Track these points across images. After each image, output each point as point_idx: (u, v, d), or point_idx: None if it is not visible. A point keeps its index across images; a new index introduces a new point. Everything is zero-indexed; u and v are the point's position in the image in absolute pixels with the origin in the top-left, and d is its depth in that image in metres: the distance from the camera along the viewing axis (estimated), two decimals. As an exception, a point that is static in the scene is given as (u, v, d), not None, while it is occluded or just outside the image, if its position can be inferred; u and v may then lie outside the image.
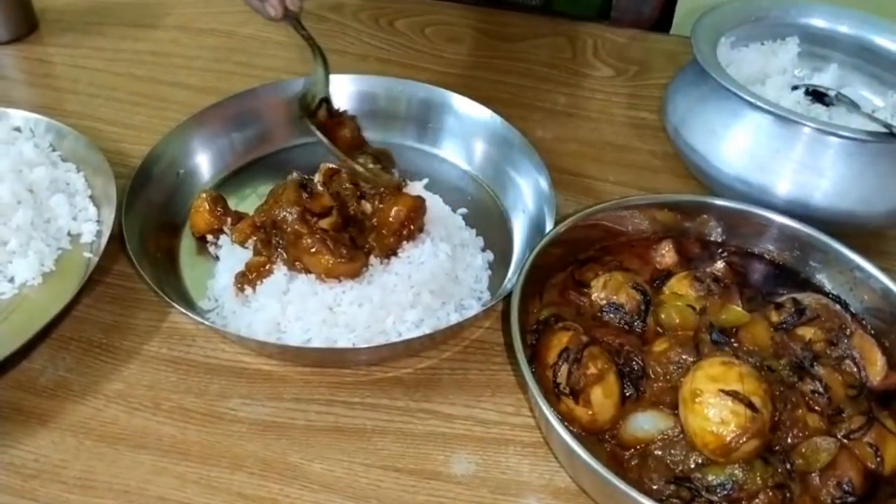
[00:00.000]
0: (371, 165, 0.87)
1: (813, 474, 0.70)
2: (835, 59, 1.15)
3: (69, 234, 0.91)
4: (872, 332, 0.82)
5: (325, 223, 0.85)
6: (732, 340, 0.78)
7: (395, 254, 0.87)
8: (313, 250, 0.82)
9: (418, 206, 0.89)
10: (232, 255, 0.90)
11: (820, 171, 0.93)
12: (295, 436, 0.77)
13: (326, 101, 0.96)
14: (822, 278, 0.87)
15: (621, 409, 0.74)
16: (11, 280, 0.85)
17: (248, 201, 0.99)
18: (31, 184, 0.92)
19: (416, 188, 0.97)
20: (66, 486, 0.72)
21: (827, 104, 1.06)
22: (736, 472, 0.69)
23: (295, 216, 0.84)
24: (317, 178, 0.94)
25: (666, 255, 0.88)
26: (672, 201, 0.92)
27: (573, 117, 1.19)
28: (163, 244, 0.92)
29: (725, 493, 0.68)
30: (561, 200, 0.92)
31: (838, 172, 0.93)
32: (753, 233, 0.89)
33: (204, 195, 0.93)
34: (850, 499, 0.69)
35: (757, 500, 0.68)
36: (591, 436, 0.74)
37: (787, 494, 0.68)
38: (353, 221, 0.88)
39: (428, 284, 0.85)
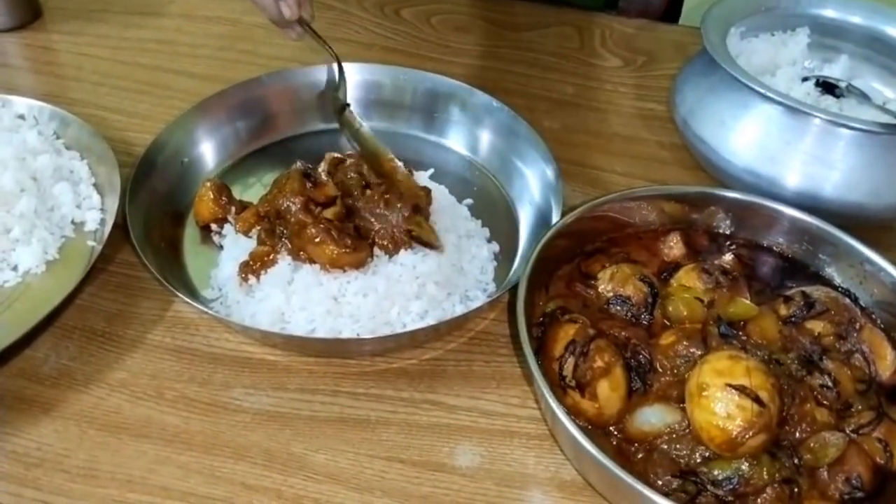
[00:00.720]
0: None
1: (821, 469, 0.69)
2: (845, 50, 1.14)
3: (73, 222, 0.90)
4: (882, 326, 0.81)
5: (329, 213, 0.84)
6: (740, 334, 0.77)
7: (400, 244, 0.86)
8: (317, 240, 0.82)
9: (424, 196, 0.88)
10: (236, 245, 0.90)
11: (830, 163, 0.92)
12: (299, 426, 0.76)
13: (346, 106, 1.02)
14: (832, 272, 0.86)
15: (628, 403, 0.73)
16: (15, 268, 0.84)
17: (252, 190, 0.98)
18: (34, 172, 0.91)
19: (421, 178, 0.96)
20: (69, 476, 0.72)
21: (837, 96, 1.05)
22: (742, 466, 0.68)
23: (299, 206, 0.83)
24: (321, 167, 0.93)
25: (674, 247, 0.87)
26: (680, 193, 0.91)
27: (580, 108, 1.18)
28: (166, 233, 0.91)
29: (731, 487, 0.67)
30: (568, 191, 0.91)
31: (848, 164, 0.92)
32: (762, 225, 0.89)
33: (208, 184, 0.92)
34: (859, 494, 0.68)
35: (764, 495, 0.68)
36: (598, 429, 0.73)
37: (795, 489, 0.68)
38: (358, 211, 0.87)
39: (433, 275, 0.84)
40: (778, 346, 0.77)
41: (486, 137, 1.05)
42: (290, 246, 0.84)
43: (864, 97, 1.04)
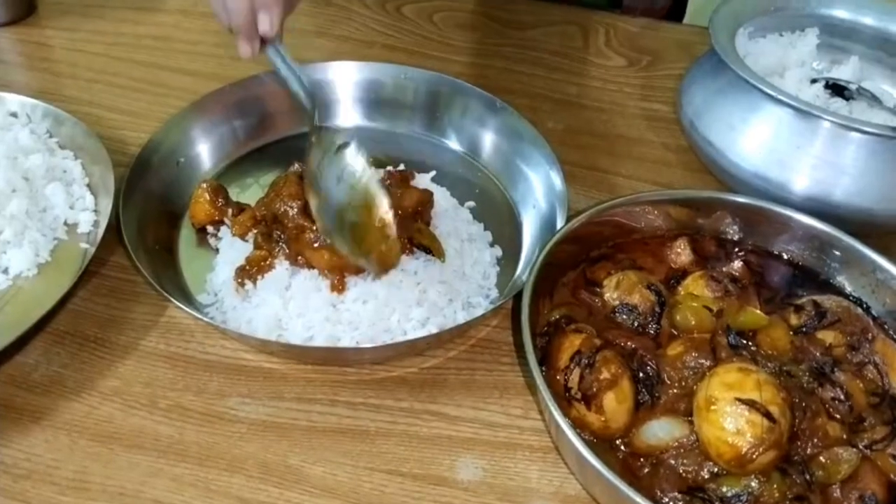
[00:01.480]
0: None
1: (834, 486, 0.67)
2: (855, 51, 1.11)
3: (65, 223, 0.88)
4: (895, 336, 0.79)
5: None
6: (750, 344, 0.75)
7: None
8: (316, 245, 0.79)
9: (426, 199, 0.86)
10: (232, 248, 0.88)
11: (841, 168, 0.90)
12: (296, 437, 0.74)
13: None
14: (843, 280, 0.84)
15: (635, 416, 0.72)
16: (6, 271, 0.82)
17: (250, 191, 0.96)
18: (26, 171, 0.89)
19: (423, 181, 0.94)
20: (59, 488, 0.69)
21: (847, 98, 1.03)
22: (752, 483, 0.66)
23: (296, 210, 0.81)
24: (321, 168, 0.90)
25: (681, 253, 0.85)
26: (688, 197, 0.89)
27: (585, 108, 1.16)
28: (161, 235, 0.89)
29: (741, 504, 0.65)
30: (571, 194, 0.89)
31: (859, 169, 0.90)
32: (772, 231, 0.87)
33: (204, 185, 0.90)
34: (873, 512, 0.67)
35: (775, 513, 0.66)
36: (603, 442, 0.71)
37: (807, 507, 0.66)
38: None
39: (435, 281, 0.82)
40: (789, 356, 0.75)
41: (488, 138, 1.02)
42: (287, 251, 0.82)
43: (874, 100, 1.02)
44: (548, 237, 0.84)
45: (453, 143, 1.05)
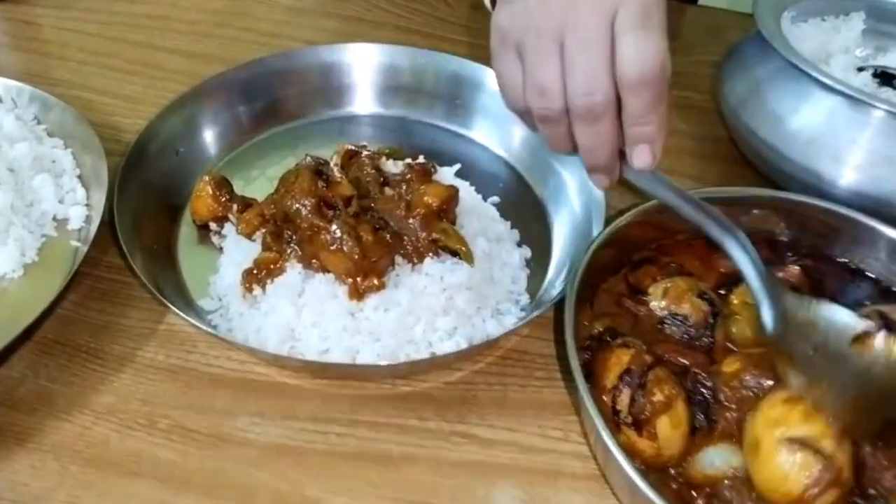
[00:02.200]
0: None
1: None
2: (903, 37, 1.03)
3: (54, 219, 0.81)
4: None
5: (345, 216, 0.74)
6: (813, 360, 0.67)
7: (424, 251, 0.76)
8: (333, 247, 0.72)
9: (451, 195, 0.78)
10: (238, 248, 0.80)
11: (899, 163, 0.83)
12: (313, 463, 0.67)
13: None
14: (910, 288, 0.76)
15: (690, 442, 0.64)
16: (-11, 272, 0.76)
17: (255, 184, 0.89)
18: (11, 161, 0.82)
19: (446, 174, 0.86)
20: (47, 521, 0.62)
21: (896, 87, 0.95)
22: (823, 523, 0.59)
23: (310, 208, 0.73)
24: (333, 160, 0.83)
25: (732, 257, 0.77)
26: (743, 196, 0.81)
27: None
28: (160, 232, 0.82)
29: (808, 545, 0.58)
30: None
31: (919, 164, 0.83)
32: (830, 233, 0.79)
33: (207, 178, 0.82)
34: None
35: (850, 553, 0.59)
36: (655, 471, 0.64)
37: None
38: (375, 213, 0.77)
39: (462, 287, 0.75)
40: (855, 373, 0.67)
41: (515, 129, 0.94)
42: (300, 252, 0.75)
43: (928, 89, 0.94)
44: (584, 238, 0.78)
45: (475, 134, 0.97)
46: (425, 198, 0.77)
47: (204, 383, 0.71)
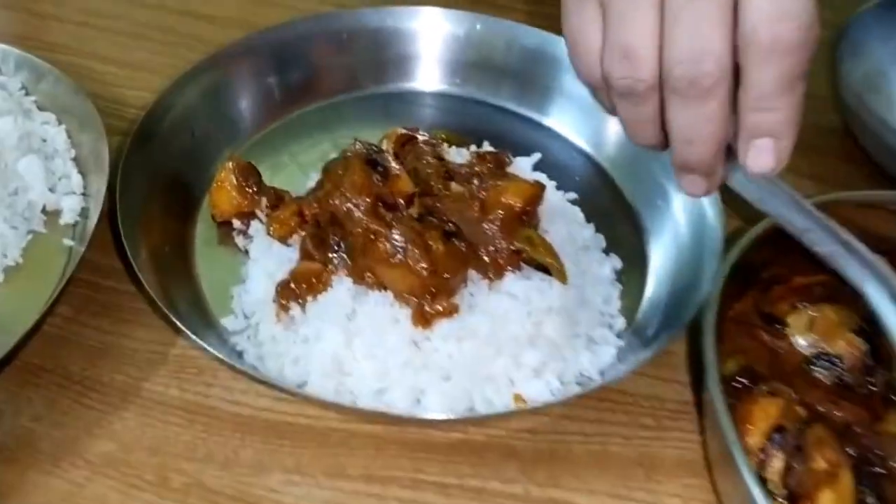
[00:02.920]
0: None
1: None
2: None
3: (44, 211, 0.70)
4: None
5: (407, 218, 0.60)
6: None
7: (505, 264, 0.62)
8: (394, 259, 0.57)
9: (536, 194, 0.64)
10: (269, 253, 0.66)
11: None
12: (369, 541, 0.52)
13: None
14: None
15: (859, 527, 0.49)
16: (-39, 278, 0.64)
17: (284, 173, 0.75)
18: (-9, 140, 0.71)
19: (523, 167, 0.71)
20: None
21: None
22: None
23: (364, 209, 0.59)
24: (384, 147, 0.69)
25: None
26: (872, 200, 0.66)
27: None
28: (172, 230, 0.69)
29: None
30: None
31: None
32: None
33: (229, 164, 0.69)
34: None
35: None
36: (816, 563, 0.49)
37: None
38: (440, 215, 0.62)
39: (552, 310, 0.61)
40: None
41: (600, 117, 0.77)
42: (350, 263, 0.61)
43: None
44: (692, 243, 0.65)
45: (554, 122, 0.81)
46: (505, 197, 0.62)
47: (228, 427, 0.58)
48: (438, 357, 0.58)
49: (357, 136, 0.67)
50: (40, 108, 0.76)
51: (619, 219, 0.74)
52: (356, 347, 0.58)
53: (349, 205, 0.60)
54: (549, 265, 0.60)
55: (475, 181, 0.64)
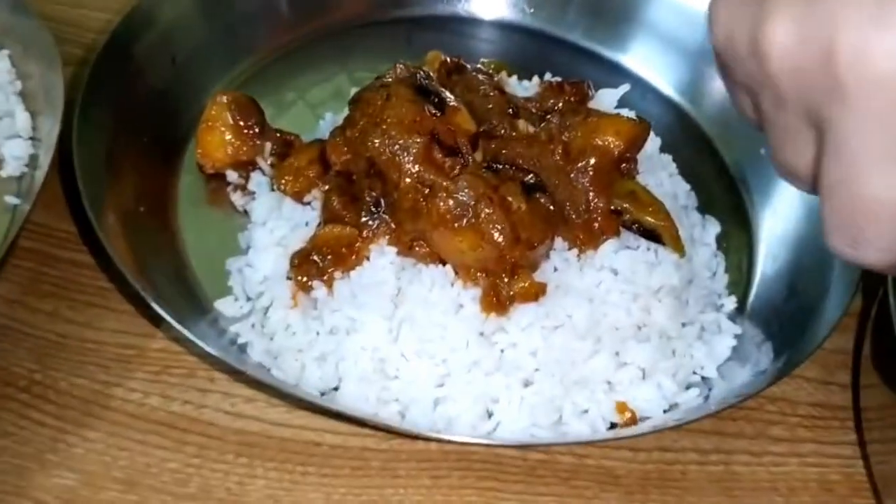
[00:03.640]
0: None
1: None
2: None
3: None
4: None
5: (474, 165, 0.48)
6: None
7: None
8: (459, 222, 0.44)
9: (640, 134, 0.51)
10: (278, 214, 0.55)
11: None
12: None
13: None
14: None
15: None
16: None
17: (291, 113, 0.64)
18: None
19: (607, 100, 0.59)
20: None
21: None
22: None
23: (416, 153, 0.47)
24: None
25: None
26: None
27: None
28: (148, 185, 0.58)
29: None
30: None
31: None
32: None
33: (223, 99, 0.58)
34: None
35: None
36: None
37: None
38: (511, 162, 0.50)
39: (663, 291, 0.48)
40: None
41: (687, 59, 0.66)
42: (394, 228, 0.48)
43: None
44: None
45: (629, 59, 0.68)
46: (599, 137, 0.49)
47: (230, 449, 0.46)
48: (517, 355, 0.46)
49: (402, 62, 0.54)
50: (-27, 30, 0.66)
51: (709, 172, 0.63)
52: (404, 341, 0.46)
53: (394, 147, 0.46)
54: (661, 230, 0.47)
55: (553, 119, 0.50)
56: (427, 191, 0.46)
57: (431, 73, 0.55)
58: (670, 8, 0.67)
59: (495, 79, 0.56)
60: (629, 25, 0.69)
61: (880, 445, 0.45)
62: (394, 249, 0.48)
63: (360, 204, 0.49)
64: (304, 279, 0.49)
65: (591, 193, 0.48)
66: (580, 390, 0.45)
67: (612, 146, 0.49)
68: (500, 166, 0.47)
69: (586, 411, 0.45)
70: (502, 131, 0.52)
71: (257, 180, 0.58)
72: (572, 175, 0.49)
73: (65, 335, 0.51)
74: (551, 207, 0.46)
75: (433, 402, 0.45)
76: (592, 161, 0.48)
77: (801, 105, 0.30)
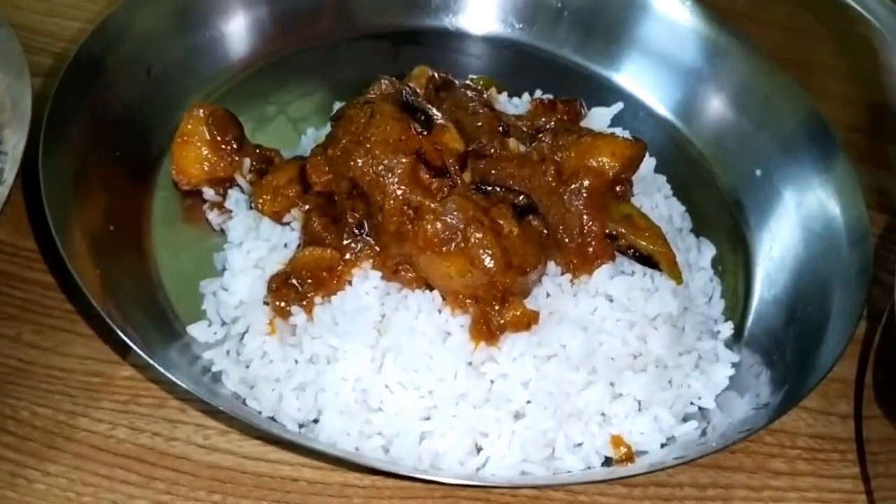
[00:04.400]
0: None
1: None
2: None
3: None
4: None
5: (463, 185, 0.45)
6: None
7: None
8: (447, 246, 0.42)
9: (636, 155, 0.49)
10: (256, 235, 0.53)
11: None
12: None
13: None
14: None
15: None
16: None
17: (271, 127, 0.62)
18: None
19: (600, 119, 0.57)
20: None
21: None
22: None
23: (401, 174, 0.45)
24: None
25: None
26: None
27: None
28: (118, 203, 0.55)
29: None
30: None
31: None
32: None
33: (200, 112, 0.56)
34: None
35: None
36: None
37: None
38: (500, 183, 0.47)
39: (661, 319, 0.46)
40: None
41: (701, 88, 0.65)
42: (377, 251, 0.46)
43: None
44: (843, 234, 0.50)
45: (625, 80, 0.67)
46: (593, 158, 0.47)
47: (202, 485, 0.45)
48: (507, 386, 0.44)
49: (387, 76, 0.52)
50: (-61, 39, 0.62)
51: (703, 193, 0.60)
52: (388, 371, 0.45)
53: (379, 168, 0.44)
54: (658, 256, 0.45)
55: (544, 138, 0.48)
56: (413, 213, 0.43)
57: (418, 90, 0.54)
58: (662, 25, 0.65)
59: (485, 95, 0.54)
60: (621, 42, 0.67)
61: (885, 480, 0.44)
62: (378, 274, 0.46)
63: (342, 225, 0.47)
64: (283, 304, 0.47)
65: (584, 216, 0.46)
66: (574, 423, 0.43)
67: (607, 167, 0.47)
68: (490, 188, 0.45)
69: (580, 445, 0.43)
70: (492, 150, 0.50)
71: (235, 198, 0.56)
72: (565, 197, 0.47)
73: (28, 361, 0.49)
74: (544, 231, 0.43)
75: (419, 437, 0.42)
76: (586, 183, 0.47)
77: None
